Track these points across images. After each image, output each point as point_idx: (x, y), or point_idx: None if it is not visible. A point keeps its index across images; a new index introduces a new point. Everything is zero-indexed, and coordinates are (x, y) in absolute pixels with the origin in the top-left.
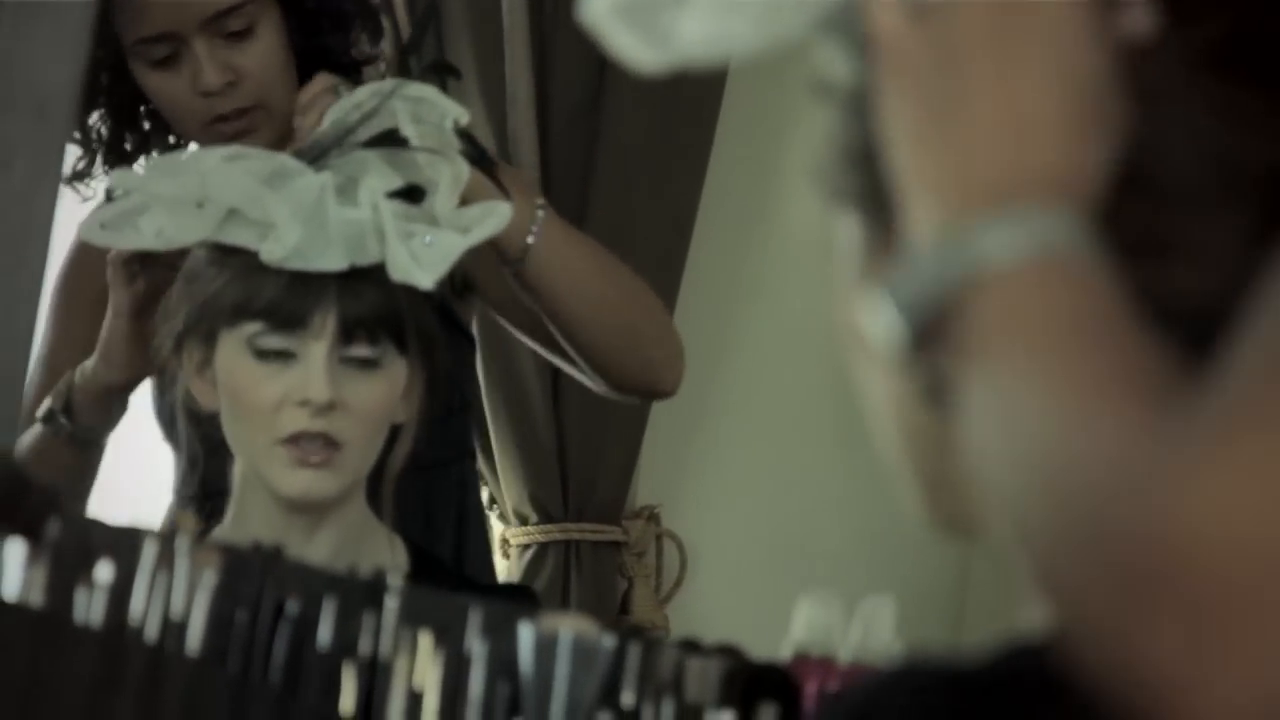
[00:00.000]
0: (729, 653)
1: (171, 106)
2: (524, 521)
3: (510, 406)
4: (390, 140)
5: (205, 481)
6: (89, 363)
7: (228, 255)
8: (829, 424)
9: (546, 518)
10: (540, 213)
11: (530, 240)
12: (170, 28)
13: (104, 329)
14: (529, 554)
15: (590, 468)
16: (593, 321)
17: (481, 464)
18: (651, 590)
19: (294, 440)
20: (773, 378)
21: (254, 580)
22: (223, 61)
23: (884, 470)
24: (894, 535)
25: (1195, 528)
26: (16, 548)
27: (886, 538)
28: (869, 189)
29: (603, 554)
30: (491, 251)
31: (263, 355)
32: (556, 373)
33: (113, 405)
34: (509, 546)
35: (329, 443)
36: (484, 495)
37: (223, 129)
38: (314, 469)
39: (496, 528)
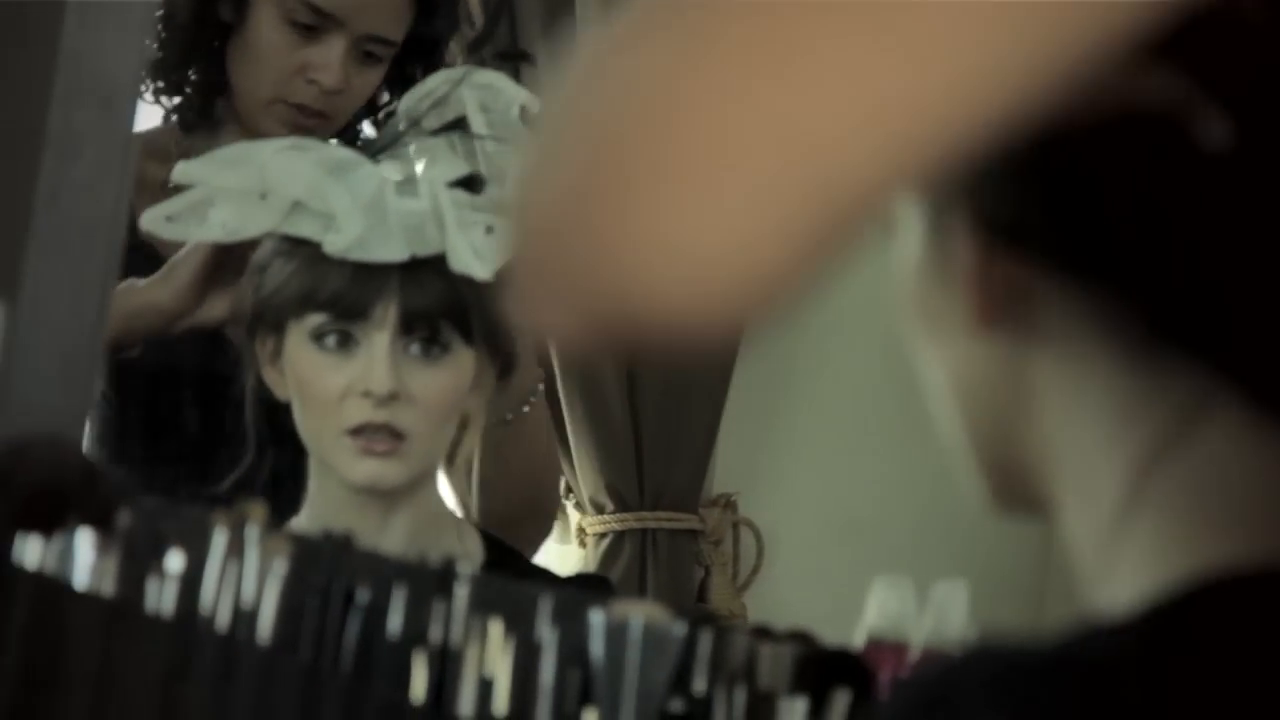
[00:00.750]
0: (801, 639)
1: (267, 66)
2: (600, 510)
3: (585, 395)
4: (458, 128)
5: (276, 472)
6: (141, 281)
7: (294, 247)
8: (903, 410)
9: (623, 506)
10: (540, 386)
11: (525, 410)
12: (341, 14)
13: (180, 254)
14: (605, 543)
15: (666, 456)
16: (516, 491)
17: (558, 452)
18: (729, 578)
19: (359, 431)
20: (846, 365)
21: (324, 568)
22: (347, 70)
23: (957, 462)
24: (972, 520)
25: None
26: (87, 538)
27: (963, 522)
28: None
29: (679, 542)
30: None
31: (326, 347)
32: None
33: (141, 327)
34: (585, 535)
35: (394, 433)
36: (560, 484)
37: (293, 115)
38: (380, 458)
39: (573, 516)
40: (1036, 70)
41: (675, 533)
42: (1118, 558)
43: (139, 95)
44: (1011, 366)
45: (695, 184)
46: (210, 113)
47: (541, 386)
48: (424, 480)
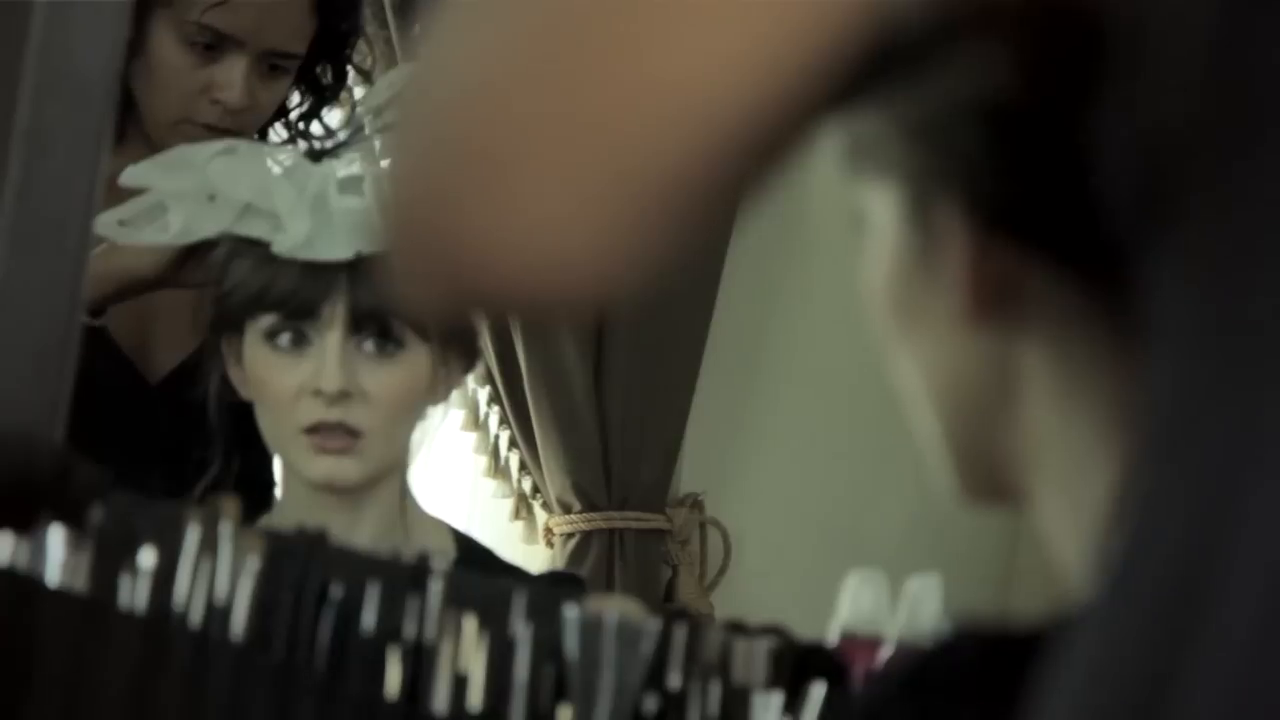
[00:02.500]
0: (775, 633)
1: (169, 88)
2: (567, 510)
3: (552, 395)
4: None
5: (245, 474)
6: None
7: (247, 247)
8: (871, 412)
9: (590, 506)
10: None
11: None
12: (240, 34)
13: None
14: (572, 543)
15: (633, 456)
16: None
17: (524, 453)
18: (696, 578)
19: (314, 430)
20: (814, 366)
21: (298, 565)
22: (251, 87)
23: (927, 455)
24: (939, 525)
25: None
26: (59, 534)
27: (932, 527)
28: (925, 162)
29: (647, 542)
30: None
31: (279, 346)
32: (599, 362)
33: (114, 291)
34: (552, 535)
35: (348, 431)
36: (527, 484)
37: (201, 135)
38: (335, 455)
39: (540, 516)
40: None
41: (643, 532)
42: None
43: (113, 90)
44: (997, 359)
45: (530, 163)
46: (117, 134)
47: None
48: (388, 477)
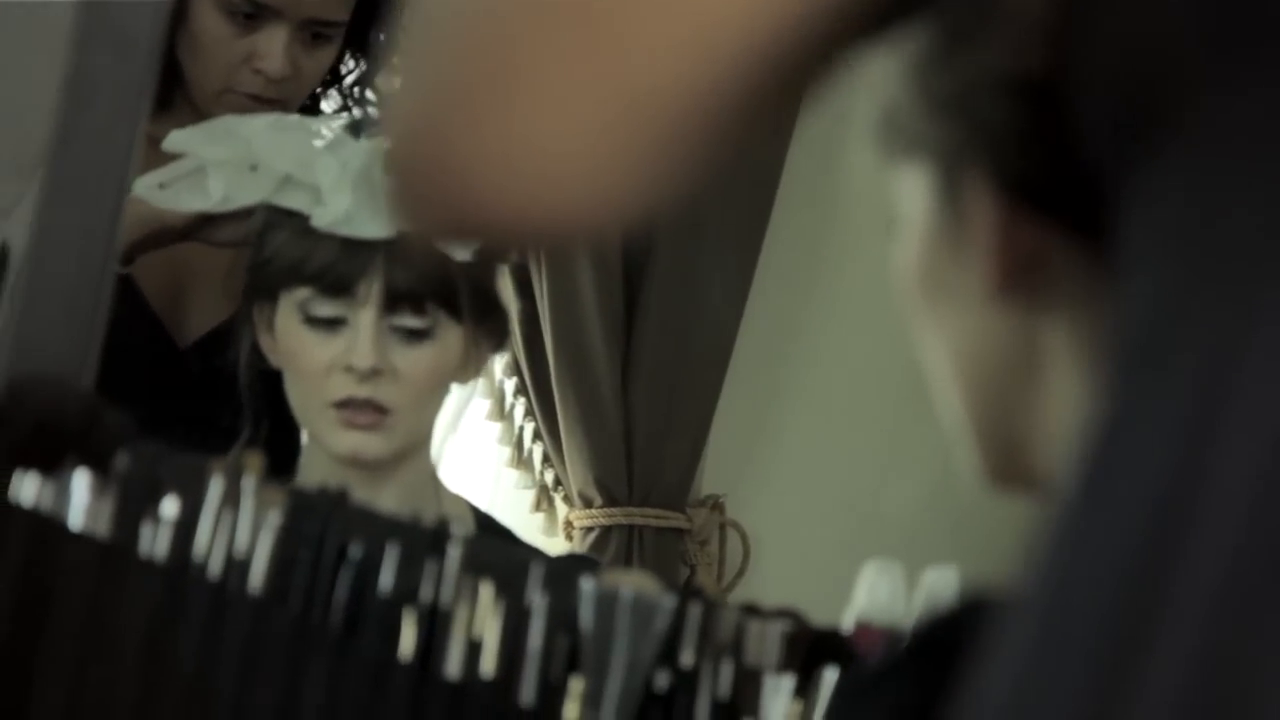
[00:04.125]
0: (790, 617)
1: (211, 58)
2: (588, 504)
3: (579, 389)
4: None
5: (269, 441)
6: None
7: (285, 218)
8: (894, 422)
9: (611, 501)
10: None
11: None
12: (276, 2)
13: None
14: (592, 537)
15: (657, 453)
16: None
17: (548, 446)
18: (713, 579)
19: (343, 404)
20: (841, 373)
21: (318, 522)
22: (293, 57)
23: (952, 465)
24: (961, 534)
25: None
26: (84, 478)
27: (953, 536)
28: (953, 136)
29: (665, 540)
30: None
31: (313, 321)
32: (627, 357)
33: (145, 239)
34: (572, 529)
35: (377, 408)
36: (549, 477)
37: (245, 104)
38: (362, 431)
39: (560, 509)
40: None
41: (662, 530)
42: None
43: (157, 46)
44: (1023, 336)
45: (536, 85)
46: (165, 100)
47: None
48: (412, 453)
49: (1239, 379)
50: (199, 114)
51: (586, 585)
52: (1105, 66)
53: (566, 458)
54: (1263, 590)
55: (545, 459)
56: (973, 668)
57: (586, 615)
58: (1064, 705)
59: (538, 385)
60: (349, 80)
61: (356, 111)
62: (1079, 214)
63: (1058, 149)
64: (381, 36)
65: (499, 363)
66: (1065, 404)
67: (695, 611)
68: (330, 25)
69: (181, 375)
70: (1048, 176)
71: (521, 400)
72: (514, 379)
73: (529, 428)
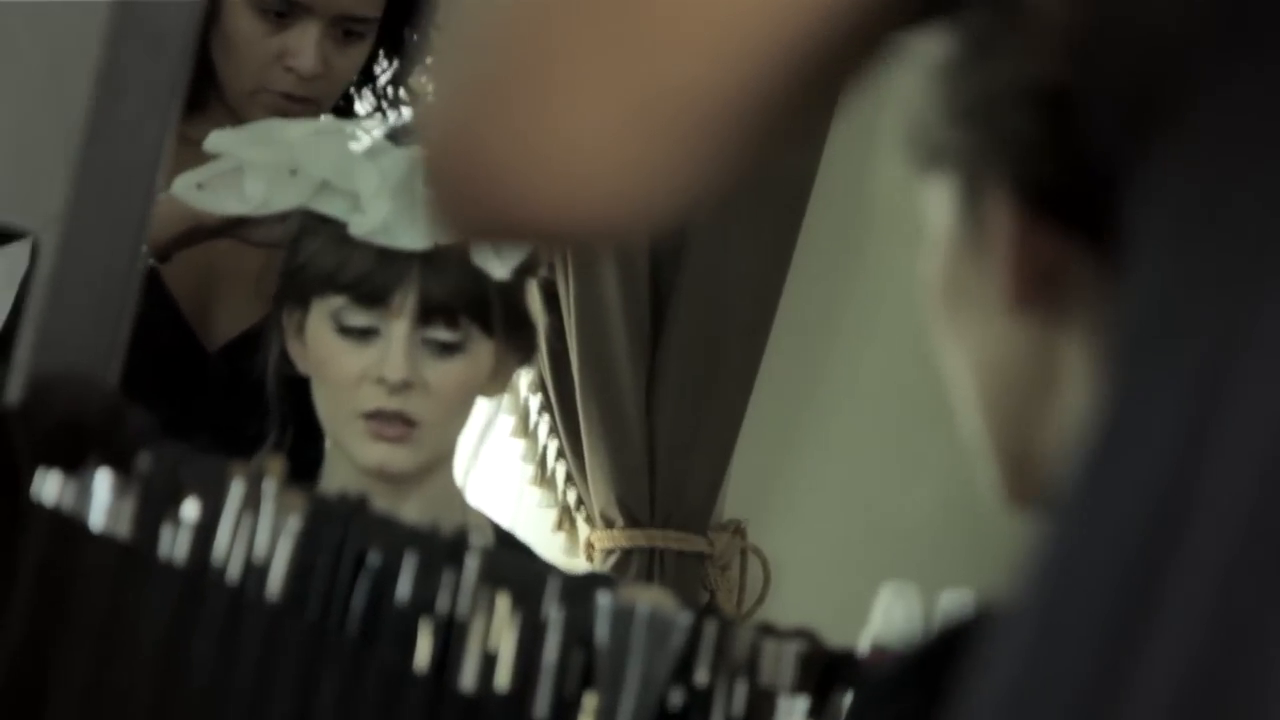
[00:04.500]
0: (806, 638)
1: (243, 57)
2: (610, 525)
3: (603, 410)
4: None
5: (294, 448)
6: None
7: (322, 224)
8: (920, 450)
9: (632, 523)
10: None
11: None
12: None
13: None
14: (612, 558)
15: (680, 476)
16: None
17: (571, 464)
18: (733, 604)
19: (372, 416)
20: (867, 401)
21: (338, 529)
22: (325, 54)
23: (979, 495)
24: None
25: None
26: (106, 478)
27: (979, 564)
28: (975, 145)
29: (686, 564)
30: None
31: (346, 330)
32: (651, 379)
33: (182, 236)
34: (593, 550)
35: (406, 420)
36: (571, 496)
37: (278, 103)
38: (390, 443)
39: (582, 529)
40: None
41: (683, 554)
42: None
43: (190, 42)
44: (1041, 348)
45: (567, 83)
46: (199, 101)
47: None
48: (437, 466)
49: (1239, 373)
50: (233, 114)
51: (603, 600)
52: (1108, 64)
53: (589, 477)
54: (1262, 586)
55: (568, 478)
56: (973, 669)
57: (602, 630)
58: (1061, 703)
59: (562, 403)
60: (383, 80)
61: (393, 115)
62: (1099, 226)
63: (1078, 159)
64: (415, 36)
65: (524, 379)
66: (1077, 414)
67: (711, 629)
68: (362, 22)
69: (208, 379)
70: (1068, 187)
71: (546, 418)
72: (539, 396)
73: (553, 446)
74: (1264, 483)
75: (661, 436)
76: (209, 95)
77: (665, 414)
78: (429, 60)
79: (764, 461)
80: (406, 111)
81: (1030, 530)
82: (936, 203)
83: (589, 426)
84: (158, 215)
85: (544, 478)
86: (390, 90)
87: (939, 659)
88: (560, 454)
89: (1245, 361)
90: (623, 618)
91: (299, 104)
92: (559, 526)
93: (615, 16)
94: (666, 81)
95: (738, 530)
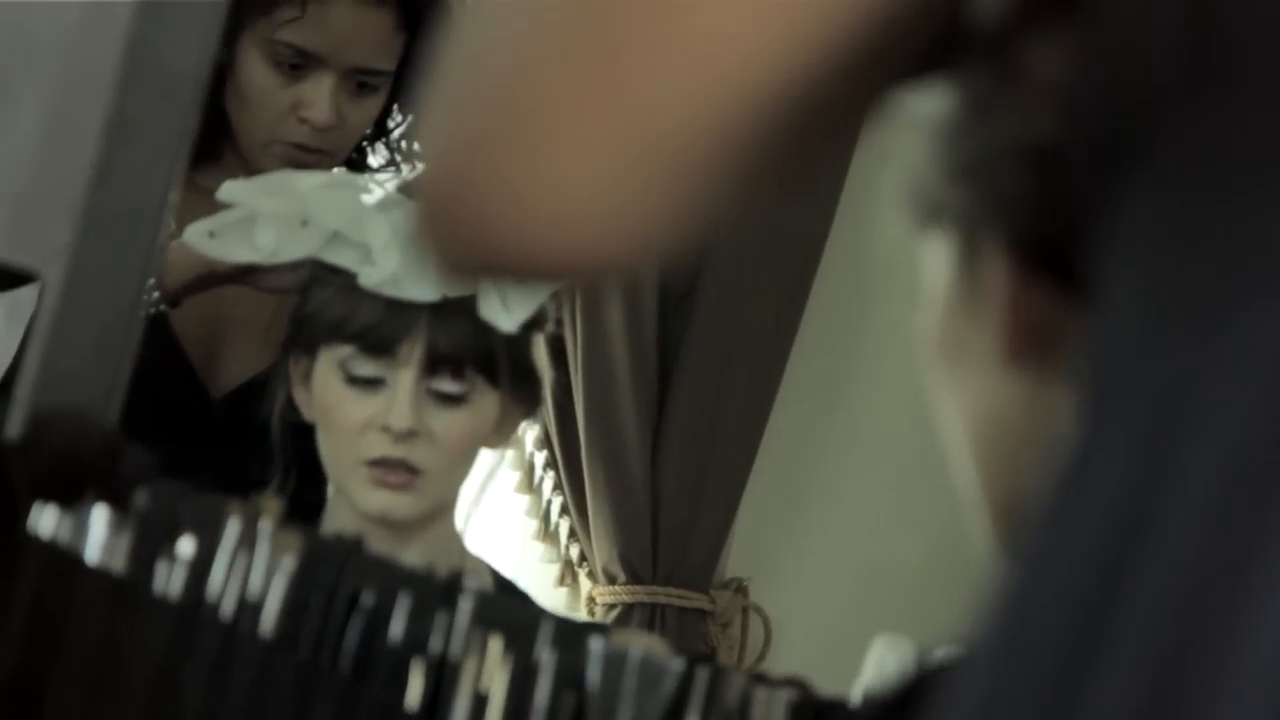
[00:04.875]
0: (797, 686)
1: (258, 108)
2: (612, 580)
3: (608, 466)
4: None
5: (296, 495)
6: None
7: (331, 274)
8: (927, 517)
9: (635, 579)
10: None
11: None
12: (323, 52)
13: None
14: (614, 614)
15: (683, 533)
16: None
17: (575, 520)
18: (734, 662)
19: (376, 463)
20: (872, 465)
21: (332, 568)
22: (339, 105)
23: (979, 562)
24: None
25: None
26: (103, 513)
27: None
28: (973, 202)
29: (688, 621)
30: None
31: (352, 378)
32: (657, 434)
33: (193, 283)
34: (595, 604)
35: (409, 469)
36: (574, 552)
37: (291, 154)
38: (393, 491)
39: (584, 585)
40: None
41: (684, 611)
42: None
43: (200, 89)
44: (1033, 402)
45: (562, 123)
46: (213, 151)
47: None
48: (438, 514)
49: (1199, 397)
50: (246, 165)
51: (595, 644)
52: (1087, 117)
53: (593, 533)
54: (1215, 606)
55: (571, 534)
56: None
57: (594, 674)
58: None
59: (567, 459)
60: (396, 134)
61: (406, 168)
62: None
63: (1071, 216)
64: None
65: (530, 435)
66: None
67: (703, 675)
68: (376, 75)
69: (212, 425)
70: (1062, 244)
71: (550, 474)
72: (544, 452)
73: (557, 501)
74: (1220, 502)
75: (666, 493)
76: (223, 146)
77: (670, 471)
78: (421, 110)
79: (768, 521)
80: (420, 165)
81: (993, 571)
82: (935, 259)
83: (593, 482)
84: (171, 261)
85: (547, 533)
86: (403, 144)
87: (912, 701)
88: (564, 510)
89: (1204, 385)
90: (614, 662)
91: (313, 155)
92: (561, 581)
93: (600, 59)
94: (653, 125)
95: (740, 589)
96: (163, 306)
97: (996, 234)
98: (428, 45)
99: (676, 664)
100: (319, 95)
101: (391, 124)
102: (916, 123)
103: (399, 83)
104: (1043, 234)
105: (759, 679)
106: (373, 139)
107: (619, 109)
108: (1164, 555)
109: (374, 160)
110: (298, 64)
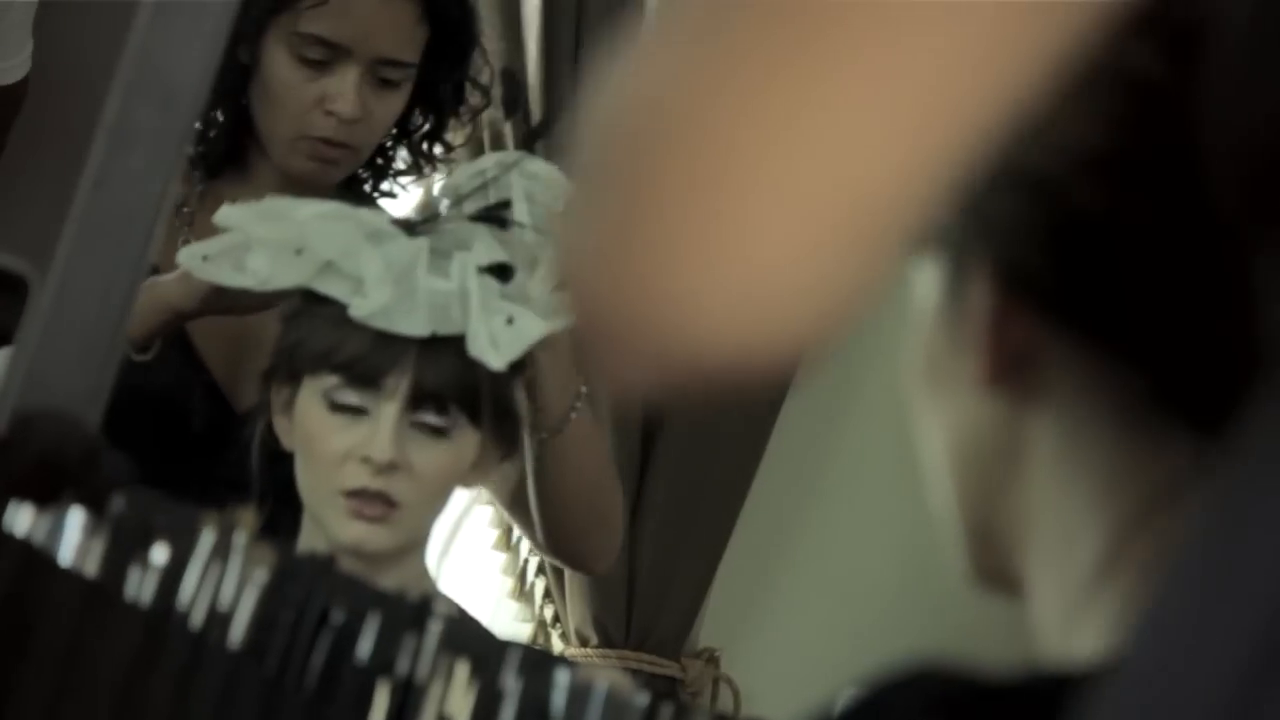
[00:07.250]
0: None
1: (284, 104)
2: (584, 643)
3: None
4: (498, 216)
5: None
6: (165, 277)
7: (320, 304)
8: (898, 595)
9: (607, 642)
10: (584, 389)
11: (572, 415)
12: (347, 42)
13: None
14: None
15: (658, 600)
16: (576, 502)
17: (550, 581)
18: None
19: (354, 494)
20: (847, 539)
21: (303, 585)
22: (364, 98)
23: (961, 631)
24: None
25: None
26: (78, 516)
27: None
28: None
29: (657, 688)
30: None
31: (336, 408)
32: (637, 504)
33: (159, 327)
34: None
35: (387, 501)
36: (549, 613)
37: (317, 149)
38: (369, 523)
39: (556, 646)
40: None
41: (655, 677)
42: (1085, 621)
43: (201, 99)
44: (1008, 427)
45: (736, 212)
46: (240, 156)
47: (584, 391)
48: (410, 549)
49: None
50: (278, 172)
51: (561, 675)
52: (1234, 141)
53: (567, 594)
54: None
55: (546, 594)
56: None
57: (558, 704)
58: None
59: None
60: (418, 136)
61: (428, 170)
62: (1074, 311)
63: (1055, 244)
64: (450, 92)
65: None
66: (1038, 502)
67: (666, 712)
68: (399, 67)
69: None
70: (1046, 272)
71: None
72: None
73: (534, 561)
74: None
75: (643, 560)
76: (251, 155)
77: (648, 538)
78: (564, 210)
79: (744, 592)
80: (439, 171)
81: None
82: (923, 283)
83: None
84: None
85: (522, 591)
86: (426, 146)
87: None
88: (540, 570)
89: None
90: (580, 694)
91: (338, 149)
92: (534, 641)
93: (807, 130)
94: (846, 194)
95: (711, 659)
96: (134, 353)
97: (984, 259)
98: (449, 37)
99: (641, 699)
100: (344, 87)
101: (412, 126)
102: None
103: (420, 85)
104: (1029, 261)
105: (722, 718)
106: (396, 141)
107: (815, 174)
108: None
109: (398, 162)
110: (322, 59)
